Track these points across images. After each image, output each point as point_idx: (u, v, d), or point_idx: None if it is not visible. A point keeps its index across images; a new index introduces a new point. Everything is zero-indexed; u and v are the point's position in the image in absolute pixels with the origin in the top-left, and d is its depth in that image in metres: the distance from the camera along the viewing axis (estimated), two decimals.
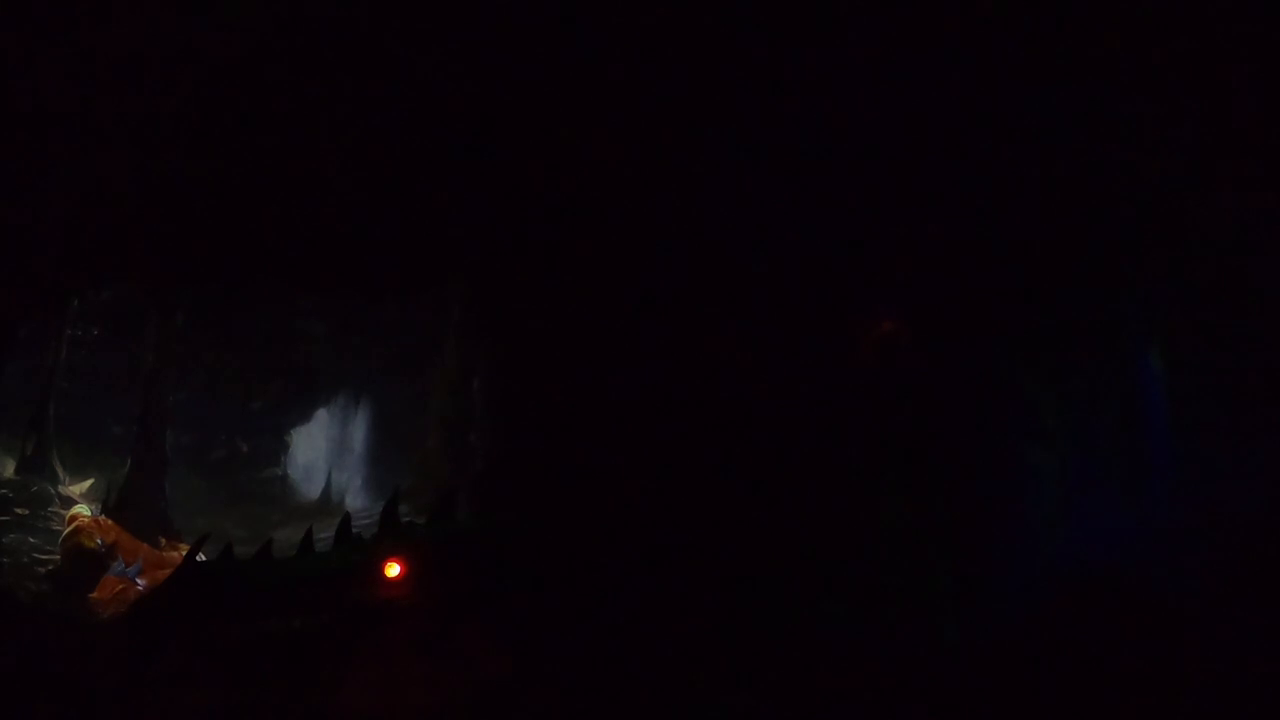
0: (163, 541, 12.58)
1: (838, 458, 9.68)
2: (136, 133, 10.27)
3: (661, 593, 8.57)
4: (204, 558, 8.78)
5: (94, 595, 11.08)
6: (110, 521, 12.33)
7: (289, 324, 15.37)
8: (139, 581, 11.21)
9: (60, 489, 13.91)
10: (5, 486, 13.51)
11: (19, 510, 13.01)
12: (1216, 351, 8.36)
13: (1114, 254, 8.92)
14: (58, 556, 12.09)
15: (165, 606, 7.60)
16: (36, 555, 12.31)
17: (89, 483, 14.31)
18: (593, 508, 9.29)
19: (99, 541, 11.88)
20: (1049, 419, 9.42)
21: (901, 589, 9.02)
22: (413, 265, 11.79)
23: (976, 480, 9.51)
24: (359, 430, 15.79)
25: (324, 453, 15.66)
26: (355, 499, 15.11)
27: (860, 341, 9.66)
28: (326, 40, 9.96)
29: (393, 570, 7.82)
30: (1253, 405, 8.00)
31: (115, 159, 10.38)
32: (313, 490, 15.49)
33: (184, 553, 11.98)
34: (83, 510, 12.76)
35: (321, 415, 15.88)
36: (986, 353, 9.58)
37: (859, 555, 9.30)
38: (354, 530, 8.31)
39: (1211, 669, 6.25)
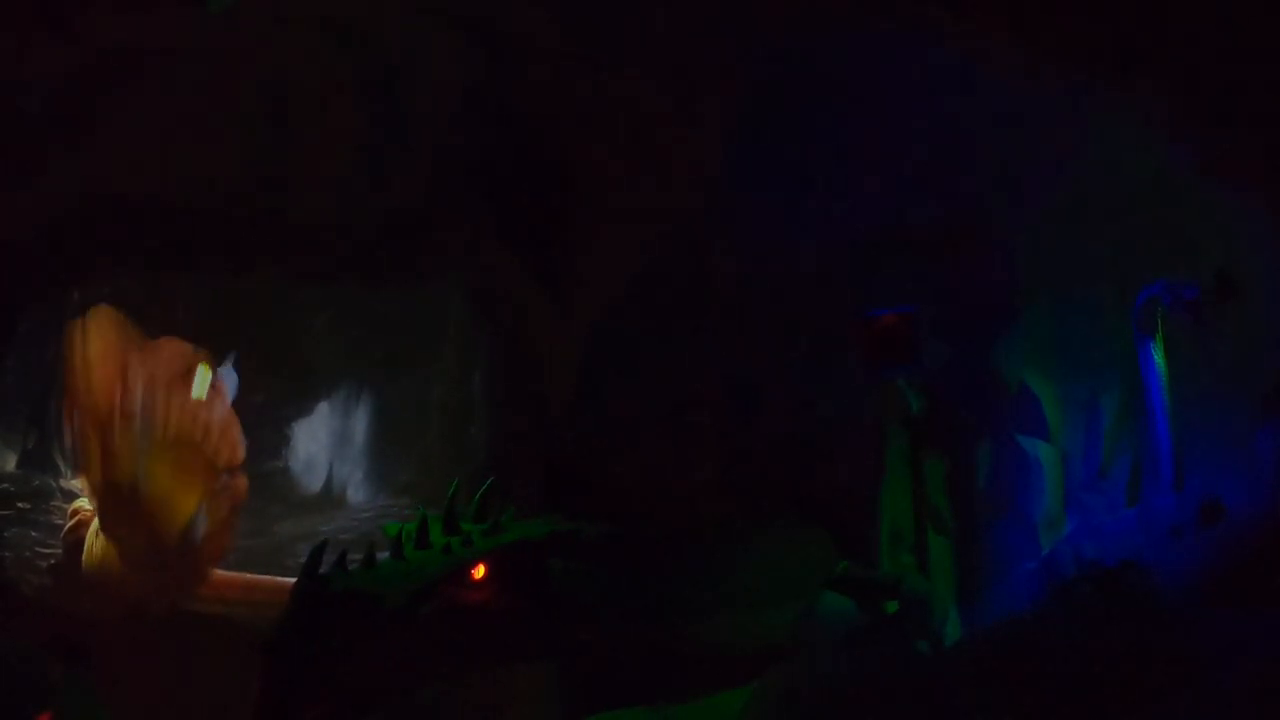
0: None
1: (838, 455, 9.71)
2: (135, 125, 10.26)
3: (662, 585, 8.59)
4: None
5: None
6: None
7: (290, 316, 15.34)
8: None
9: (62, 483, 13.88)
10: (7, 481, 13.49)
11: (21, 504, 12.99)
12: (1217, 345, 8.34)
13: (1114, 250, 8.92)
14: (59, 550, 12.10)
15: (303, 633, 6.91)
16: (39, 549, 12.30)
17: None
18: (594, 503, 9.29)
19: None
20: (1050, 416, 9.44)
21: (901, 586, 9.06)
22: (414, 257, 11.78)
23: (978, 475, 9.54)
24: (360, 423, 15.73)
25: (325, 446, 15.60)
26: (356, 492, 15.10)
27: (861, 339, 9.67)
28: (329, 29, 9.96)
29: (479, 573, 7.61)
30: (1255, 400, 7.98)
31: (114, 152, 10.37)
32: (314, 484, 15.44)
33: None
34: (85, 504, 12.74)
35: (322, 408, 15.80)
36: (987, 350, 9.60)
37: (860, 551, 9.34)
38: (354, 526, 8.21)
39: (1212, 669, 6.23)
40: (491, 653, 7.56)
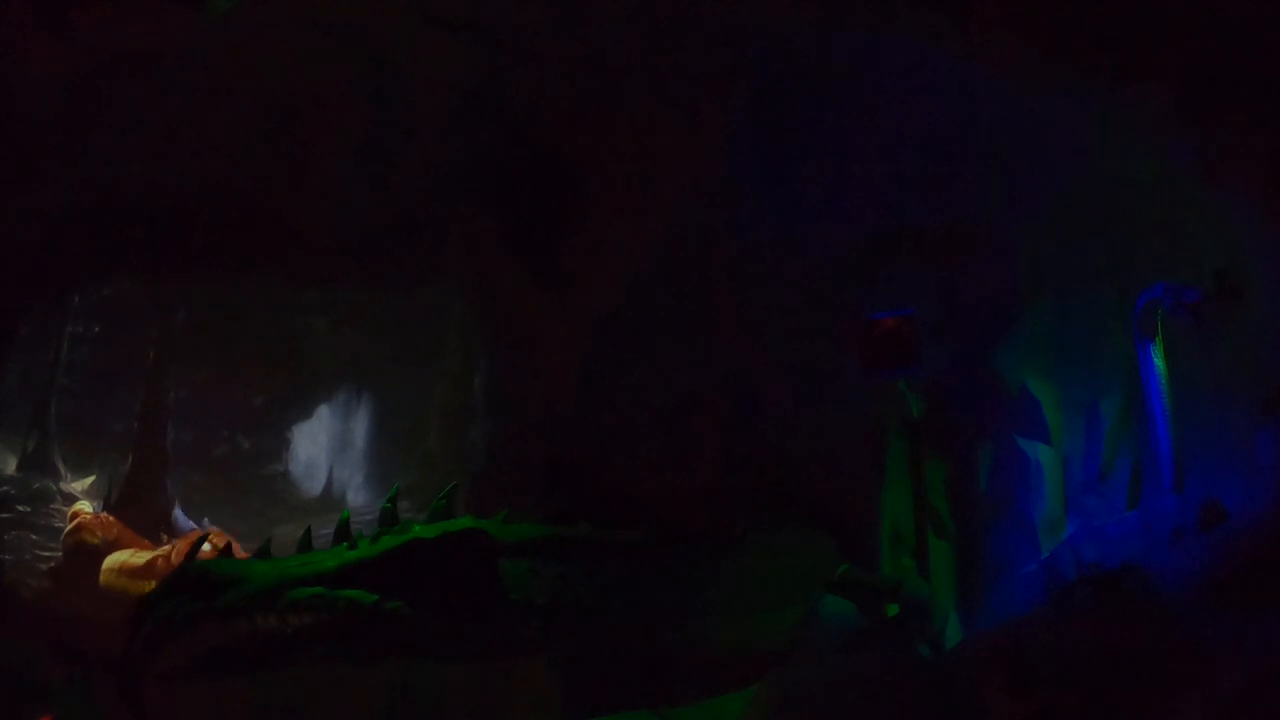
0: (164, 538, 12.60)
1: (839, 458, 9.70)
2: (135, 129, 10.27)
3: (663, 589, 8.58)
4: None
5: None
6: (112, 518, 12.36)
7: (290, 319, 15.36)
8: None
9: (62, 486, 13.92)
10: (7, 483, 13.52)
11: (21, 507, 13.03)
12: (1217, 348, 8.33)
13: (1114, 252, 8.92)
14: (59, 553, 12.12)
15: (163, 604, 7.55)
16: (38, 552, 12.34)
17: (91, 480, 14.32)
18: (594, 506, 9.27)
19: (100, 538, 11.92)
20: (1050, 419, 9.44)
21: (902, 589, 9.05)
22: (414, 260, 11.78)
23: (978, 478, 9.53)
24: (361, 426, 15.77)
25: (325, 449, 15.64)
26: (357, 495, 15.11)
27: (862, 341, 9.67)
28: (328, 32, 9.96)
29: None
30: (1255, 402, 7.96)
31: (115, 154, 10.37)
32: (314, 487, 15.48)
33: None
34: (84, 507, 12.78)
35: (323, 411, 15.86)
36: (988, 353, 9.59)
37: (861, 554, 9.33)
38: (353, 528, 8.24)
39: (1213, 666, 6.23)
40: (386, 646, 7.68)
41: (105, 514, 12.54)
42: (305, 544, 8.11)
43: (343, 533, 8.07)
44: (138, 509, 13.02)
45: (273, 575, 7.55)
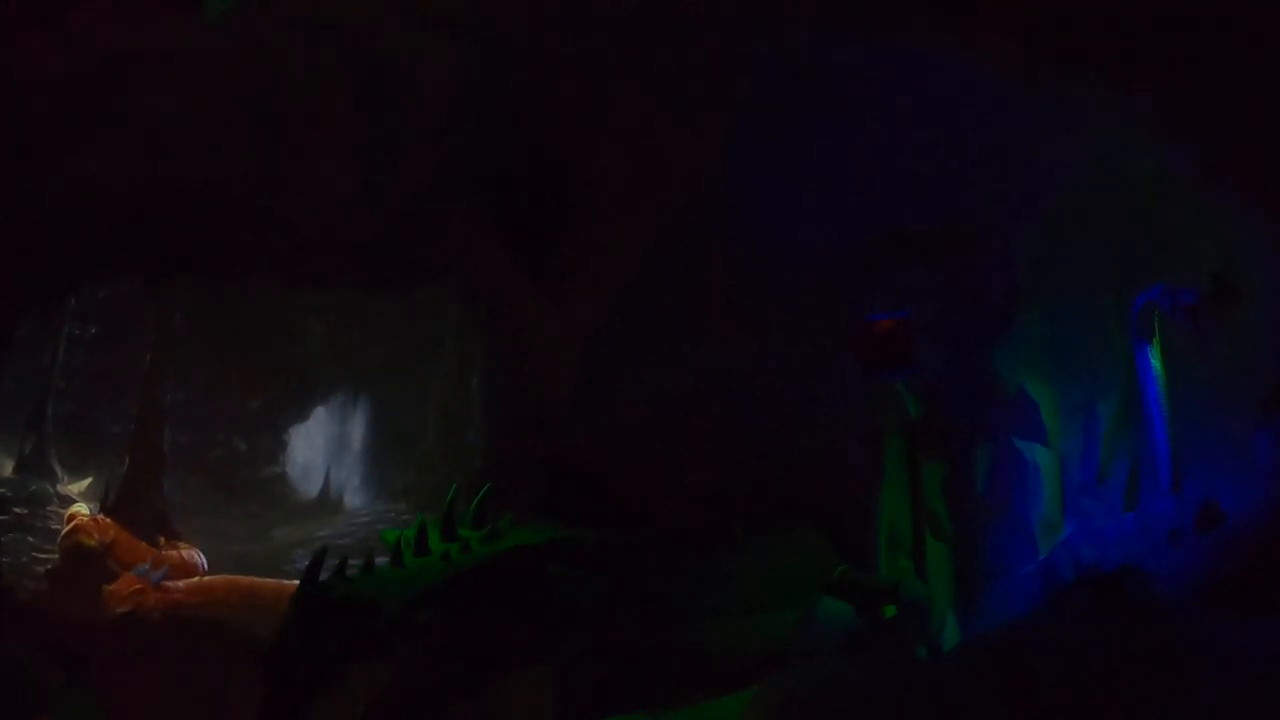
0: (161, 541, 12.59)
1: (836, 459, 9.70)
2: (133, 131, 10.26)
3: (660, 591, 8.58)
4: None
5: (109, 588, 11.18)
6: (109, 521, 12.36)
7: (287, 322, 15.36)
8: (166, 585, 11.27)
9: (59, 488, 13.90)
10: (4, 486, 13.51)
11: (17, 509, 13.02)
12: (1215, 350, 8.34)
13: (1112, 254, 8.93)
14: (56, 555, 12.12)
15: (311, 642, 6.98)
16: (35, 554, 12.34)
17: (87, 482, 14.30)
18: (592, 507, 9.27)
19: (98, 540, 11.92)
20: (1047, 420, 9.45)
21: (899, 591, 9.05)
22: (411, 261, 11.78)
23: (976, 479, 9.53)
24: (358, 428, 15.77)
25: (323, 451, 15.63)
26: (354, 498, 15.12)
27: (859, 343, 9.68)
28: (326, 34, 9.96)
29: None
30: (1252, 404, 7.97)
31: (114, 155, 10.37)
32: (311, 489, 15.48)
33: (182, 551, 12.09)
34: (81, 509, 12.77)
35: (320, 413, 15.86)
36: (985, 355, 9.60)
37: (858, 556, 9.33)
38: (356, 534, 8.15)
39: (1211, 669, 6.22)
40: (498, 659, 7.49)
41: (102, 516, 12.53)
42: (397, 556, 7.62)
43: (423, 540, 7.69)
44: (134, 511, 13.00)
45: (398, 594, 7.16)
